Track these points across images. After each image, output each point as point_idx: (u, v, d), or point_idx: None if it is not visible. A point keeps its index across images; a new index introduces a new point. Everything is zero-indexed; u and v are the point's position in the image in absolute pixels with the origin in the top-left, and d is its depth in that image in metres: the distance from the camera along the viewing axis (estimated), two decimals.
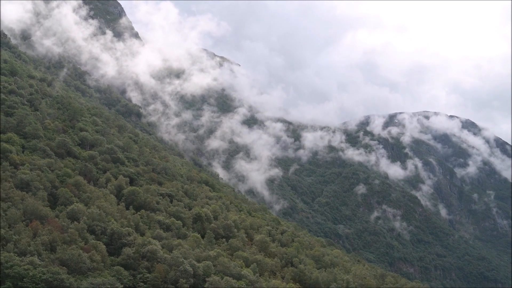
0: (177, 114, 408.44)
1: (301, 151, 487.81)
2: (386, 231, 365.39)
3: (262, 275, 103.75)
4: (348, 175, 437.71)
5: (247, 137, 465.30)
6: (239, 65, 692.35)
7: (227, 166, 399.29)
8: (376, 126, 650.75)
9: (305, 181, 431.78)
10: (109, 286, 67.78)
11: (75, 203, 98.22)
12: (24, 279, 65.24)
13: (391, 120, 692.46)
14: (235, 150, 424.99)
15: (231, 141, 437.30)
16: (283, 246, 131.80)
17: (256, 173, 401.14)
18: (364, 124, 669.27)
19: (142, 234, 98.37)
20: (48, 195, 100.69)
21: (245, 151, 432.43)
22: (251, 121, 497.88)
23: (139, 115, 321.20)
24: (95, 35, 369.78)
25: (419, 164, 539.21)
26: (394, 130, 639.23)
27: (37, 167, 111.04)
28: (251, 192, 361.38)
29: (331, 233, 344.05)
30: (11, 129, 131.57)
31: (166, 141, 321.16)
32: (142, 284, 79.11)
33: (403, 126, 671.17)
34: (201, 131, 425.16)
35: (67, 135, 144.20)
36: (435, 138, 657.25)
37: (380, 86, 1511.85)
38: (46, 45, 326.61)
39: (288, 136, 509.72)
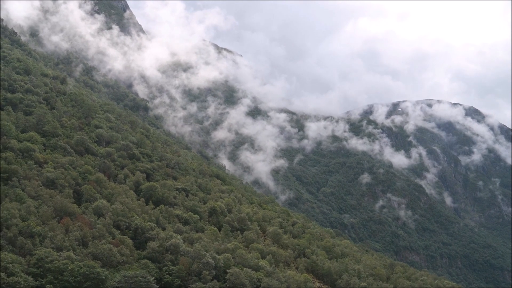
0: (183, 107, 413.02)
1: (305, 141, 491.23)
2: (391, 220, 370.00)
3: (277, 266, 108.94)
4: (353, 164, 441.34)
5: (251, 128, 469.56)
6: (241, 55, 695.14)
7: (232, 157, 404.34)
8: (380, 115, 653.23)
9: (310, 171, 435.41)
10: (141, 279, 72.89)
11: (99, 200, 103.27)
12: (64, 273, 70.44)
13: (394, 108, 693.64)
14: (240, 142, 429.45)
15: (236, 133, 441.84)
16: (294, 237, 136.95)
17: (261, 164, 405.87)
18: (368, 113, 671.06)
19: (163, 229, 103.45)
20: (73, 192, 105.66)
21: (250, 142, 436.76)
22: (255, 112, 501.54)
23: (146, 109, 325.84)
24: (101, 30, 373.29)
25: (423, 153, 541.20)
26: (398, 119, 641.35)
27: (60, 165, 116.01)
28: (257, 183, 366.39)
29: (336, 223, 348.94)
30: (31, 128, 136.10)
31: (173, 133, 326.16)
32: (168, 276, 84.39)
33: (407, 114, 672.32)
34: (206, 123, 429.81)
35: (83, 132, 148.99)
36: (439, 126, 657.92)
37: (382, 74, 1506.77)
38: (54, 41, 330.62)
39: (292, 126, 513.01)
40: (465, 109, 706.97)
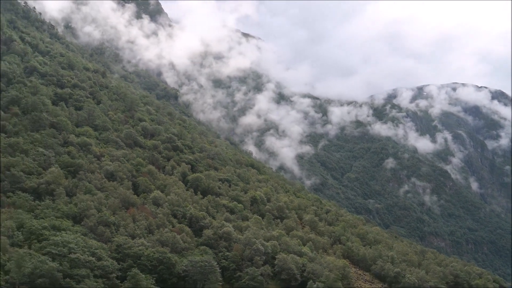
0: (209, 94, 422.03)
1: (328, 126, 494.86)
2: (416, 206, 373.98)
3: (317, 252, 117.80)
4: (377, 150, 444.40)
5: (276, 114, 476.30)
6: (263, 40, 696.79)
7: (258, 143, 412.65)
8: (404, 99, 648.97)
9: (334, 156, 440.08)
10: (206, 263, 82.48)
11: (155, 191, 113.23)
12: (141, 258, 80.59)
13: (419, 92, 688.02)
14: (265, 128, 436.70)
15: (261, 118, 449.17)
16: (329, 225, 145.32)
17: (286, 150, 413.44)
18: (392, 97, 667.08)
19: (213, 217, 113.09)
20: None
21: (275, 128, 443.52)
22: (280, 98, 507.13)
23: (176, 98, 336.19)
24: (131, 20, 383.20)
25: (449, 137, 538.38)
26: (422, 103, 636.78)
27: (115, 158, 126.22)
28: (282, 168, 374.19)
29: (361, 208, 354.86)
30: (83, 123, 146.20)
31: (202, 121, 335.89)
32: (224, 261, 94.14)
33: (432, 98, 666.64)
34: (233, 110, 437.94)
35: (129, 125, 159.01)
36: (465, 110, 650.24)
37: (405, 57, 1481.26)
38: (86, 31, 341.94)
39: (315, 111, 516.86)
40: (491, 92, 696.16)
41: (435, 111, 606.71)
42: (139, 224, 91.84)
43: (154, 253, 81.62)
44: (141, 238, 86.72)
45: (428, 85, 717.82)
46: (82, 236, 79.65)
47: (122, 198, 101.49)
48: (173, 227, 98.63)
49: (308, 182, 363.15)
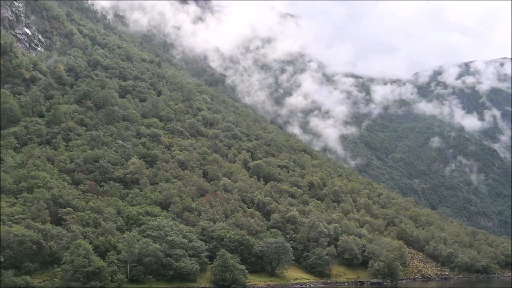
0: (255, 77, 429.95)
1: (372, 106, 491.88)
2: (463, 185, 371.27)
3: (373, 233, 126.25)
4: (422, 129, 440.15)
5: (319, 94, 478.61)
6: (302, 18, 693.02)
7: (303, 125, 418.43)
8: (449, 76, 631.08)
9: (378, 136, 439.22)
10: (280, 244, 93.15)
11: (223, 178, 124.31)
12: (224, 240, 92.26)
13: (466, 69, 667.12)
14: (309, 109, 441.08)
15: (305, 100, 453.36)
16: (382, 207, 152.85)
17: (330, 130, 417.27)
18: (437, 74, 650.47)
19: (277, 202, 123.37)
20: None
21: (318, 109, 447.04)
22: (322, 78, 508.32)
23: (223, 82, 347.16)
24: (178, 5, 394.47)
25: (497, 114, 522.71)
26: (469, 80, 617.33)
27: (183, 148, 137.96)
28: (326, 149, 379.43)
29: (406, 189, 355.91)
30: (149, 114, 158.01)
31: (248, 104, 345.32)
32: (292, 242, 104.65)
33: (479, 74, 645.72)
34: (277, 92, 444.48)
35: (190, 115, 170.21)
36: None
37: (450, 32, 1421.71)
38: (134, 18, 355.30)
39: (358, 91, 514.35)
40: None
41: (483, 87, 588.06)
42: (217, 209, 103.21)
43: (235, 236, 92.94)
44: (220, 222, 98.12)
45: (475, 60, 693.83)
46: (172, 220, 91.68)
47: (198, 185, 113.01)
48: (244, 211, 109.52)
49: (352, 163, 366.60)
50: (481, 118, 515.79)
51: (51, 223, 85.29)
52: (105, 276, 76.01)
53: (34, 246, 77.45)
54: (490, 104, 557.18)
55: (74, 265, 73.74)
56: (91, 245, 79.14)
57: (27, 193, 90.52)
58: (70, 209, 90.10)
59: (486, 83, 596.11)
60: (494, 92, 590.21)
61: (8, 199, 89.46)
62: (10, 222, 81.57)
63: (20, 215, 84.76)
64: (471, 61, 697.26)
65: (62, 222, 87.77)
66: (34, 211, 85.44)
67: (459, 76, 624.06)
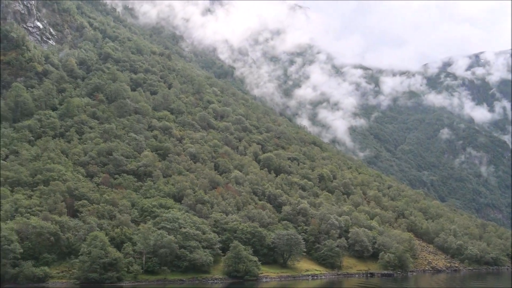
0: (263, 68, 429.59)
1: (381, 97, 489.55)
2: (472, 177, 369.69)
3: (383, 225, 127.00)
4: (432, 121, 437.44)
5: (327, 85, 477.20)
6: (310, 9, 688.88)
7: (311, 116, 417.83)
8: (459, 67, 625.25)
9: (387, 128, 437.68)
10: (292, 236, 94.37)
11: (234, 171, 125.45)
12: (236, 231, 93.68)
13: (476, 60, 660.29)
14: (318, 101, 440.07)
15: (314, 91, 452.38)
16: (392, 200, 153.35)
17: (339, 122, 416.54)
18: (446, 65, 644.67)
19: (288, 194, 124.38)
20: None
21: (327, 101, 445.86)
22: (331, 69, 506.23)
23: (232, 74, 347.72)
24: None
25: (508, 106, 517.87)
26: (479, 71, 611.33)
27: (195, 140, 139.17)
28: (334, 141, 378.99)
29: (415, 181, 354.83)
30: (160, 107, 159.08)
31: (257, 96, 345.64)
32: (303, 234, 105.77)
33: (489, 65, 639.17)
34: (286, 84, 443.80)
35: (201, 108, 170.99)
36: None
37: (459, 23, 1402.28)
38: (143, 11, 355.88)
39: (367, 82, 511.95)
40: None
41: (493, 78, 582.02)
42: (229, 202, 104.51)
43: (247, 227, 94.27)
44: (233, 214, 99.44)
45: (485, 52, 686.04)
46: (186, 213, 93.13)
47: (209, 178, 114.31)
48: (255, 204, 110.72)
49: (361, 155, 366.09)
50: (491, 109, 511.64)
51: (67, 215, 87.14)
52: (121, 267, 77.81)
53: (52, 238, 79.38)
54: (500, 95, 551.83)
55: (91, 256, 75.56)
56: (107, 237, 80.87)
57: (43, 186, 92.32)
58: (85, 201, 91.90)
59: (496, 74, 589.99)
60: (504, 83, 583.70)
61: (24, 191, 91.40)
62: (28, 214, 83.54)
63: (37, 207, 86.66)
64: (481, 52, 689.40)
65: (78, 214, 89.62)
66: (50, 204, 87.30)
67: (469, 67, 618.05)
